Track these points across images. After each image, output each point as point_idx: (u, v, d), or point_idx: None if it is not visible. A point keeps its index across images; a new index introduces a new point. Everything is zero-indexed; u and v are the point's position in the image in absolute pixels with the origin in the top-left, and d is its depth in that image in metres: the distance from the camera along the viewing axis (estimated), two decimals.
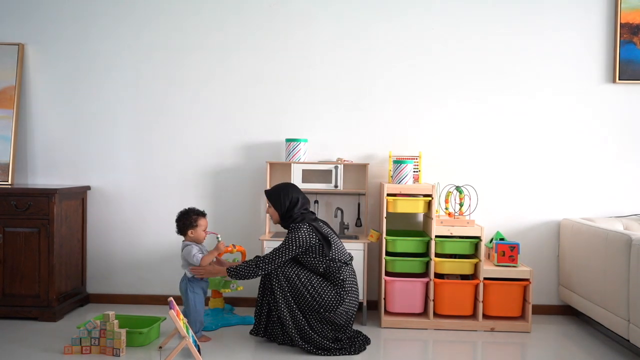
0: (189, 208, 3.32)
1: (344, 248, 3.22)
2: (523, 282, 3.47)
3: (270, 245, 3.58)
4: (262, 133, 3.94)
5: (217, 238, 3.24)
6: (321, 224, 3.22)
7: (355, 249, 3.54)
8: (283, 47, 3.92)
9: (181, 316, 2.87)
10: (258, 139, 3.94)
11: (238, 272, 3.10)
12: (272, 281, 3.09)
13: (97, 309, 3.81)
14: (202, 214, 3.31)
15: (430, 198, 3.51)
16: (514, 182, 3.89)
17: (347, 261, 3.18)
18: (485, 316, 3.51)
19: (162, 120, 3.98)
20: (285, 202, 3.20)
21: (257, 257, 3.17)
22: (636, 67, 3.80)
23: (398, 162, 3.59)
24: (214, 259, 3.31)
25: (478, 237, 3.50)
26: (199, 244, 3.26)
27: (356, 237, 3.72)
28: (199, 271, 3.17)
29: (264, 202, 3.92)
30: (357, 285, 3.18)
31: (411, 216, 3.91)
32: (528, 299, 3.47)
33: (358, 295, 3.17)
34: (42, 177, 4.01)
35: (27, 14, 3.99)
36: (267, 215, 3.42)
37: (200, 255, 3.17)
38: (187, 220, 3.25)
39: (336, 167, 3.69)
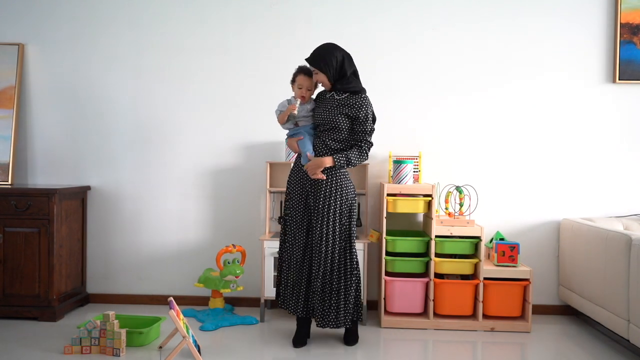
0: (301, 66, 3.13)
1: None
2: (523, 282, 3.47)
3: (270, 245, 3.57)
4: (262, 133, 3.94)
5: (294, 100, 3.10)
6: None
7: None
8: (283, 46, 3.92)
9: (181, 316, 2.87)
10: (258, 139, 3.94)
11: (349, 160, 2.97)
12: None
13: (97, 309, 3.81)
14: (304, 71, 3.08)
15: (430, 198, 3.51)
16: (514, 182, 3.89)
17: None
18: (485, 316, 3.51)
19: (162, 120, 3.97)
20: (333, 61, 2.91)
21: (358, 146, 3.02)
22: (636, 67, 3.80)
23: (398, 162, 3.58)
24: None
25: (478, 237, 3.50)
26: (297, 99, 3.11)
27: (356, 237, 3.71)
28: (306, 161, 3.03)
29: (264, 202, 3.92)
30: None
31: (411, 216, 3.91)
32: (528, 299, 3.47)
33: None
34: (42, 177, 4.01)
35: (27, 14, 3.99)
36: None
37: (284, 107, 3.10)
38: (293, 75, 3.14)
39: None
